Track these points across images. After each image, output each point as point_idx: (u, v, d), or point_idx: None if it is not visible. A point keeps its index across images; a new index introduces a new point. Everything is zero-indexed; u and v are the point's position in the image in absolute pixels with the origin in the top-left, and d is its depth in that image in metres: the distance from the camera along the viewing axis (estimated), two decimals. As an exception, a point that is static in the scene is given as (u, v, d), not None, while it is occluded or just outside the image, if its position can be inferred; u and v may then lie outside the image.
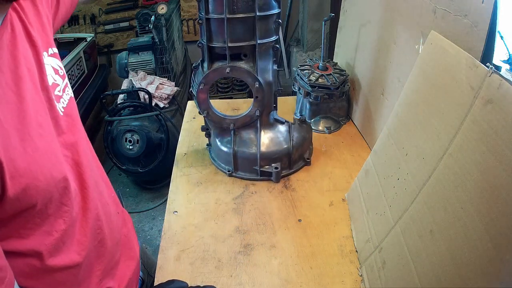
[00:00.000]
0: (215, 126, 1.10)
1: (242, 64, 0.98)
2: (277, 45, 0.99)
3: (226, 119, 1.06)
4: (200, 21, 0.94)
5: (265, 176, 1.06)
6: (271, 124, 1.08)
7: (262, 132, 1.07)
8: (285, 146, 1.06)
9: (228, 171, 1.08)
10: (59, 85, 0.63)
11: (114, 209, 0.76)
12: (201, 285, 0.74)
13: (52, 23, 0.69)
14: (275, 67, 1.02)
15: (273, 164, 1.04)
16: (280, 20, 0.98)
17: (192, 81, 1.07)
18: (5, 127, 0.48)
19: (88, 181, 0.66)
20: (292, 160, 1.08)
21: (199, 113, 1.07)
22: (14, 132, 0.49)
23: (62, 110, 0.63)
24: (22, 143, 0.50)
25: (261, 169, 1.04)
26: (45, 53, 0.62)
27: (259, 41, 0.94)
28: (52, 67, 0.63)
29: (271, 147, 1.06)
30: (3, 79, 0.50)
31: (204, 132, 1.17)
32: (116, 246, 0.74)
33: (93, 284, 0.67)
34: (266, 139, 1.07)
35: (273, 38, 0.98)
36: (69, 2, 0.77)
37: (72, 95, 0.68)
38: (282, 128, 1.10)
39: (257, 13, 0.90)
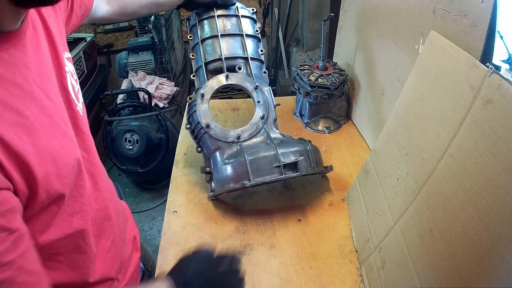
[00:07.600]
0: (215, 145, 0.99)
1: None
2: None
3: (231, 132, 0.99)
4: (192, 55, 1.07)
5: (289, 170, 0.91)
6: (277, 132, 1.02)
7: (272, 135, 1.00)
8: (301, 143, 0.97)
9: (243, 184, 0.90)
10: (75, 87, 0.64)
11: (120, 208, 0.79)
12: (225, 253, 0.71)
13: (64, 29, 0.69)
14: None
15: (292, 157, 0.92)
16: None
17: (188, 118, 1.04)
18: (35, 126, 0.48)
19: (100, 182, 0.67)
20: (312, 157, 0.95)
21: (197, 149, 1.01)
22: (43, 131, 0.49)
23: (82, 111, 0.63)
24: (50, 141, 0.50)
25: (283, 163, 0.90)
26: (64, 54, 0.62)
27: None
28: (70, 70, 0.63)
29: (287, 145, 0.96)
30: (30, 76, 0.50)
31: (205, 176, 1.02)
32: (123, 242, 0.76)
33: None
34: (278, 140, 0.99)
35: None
36: (80, 15, 0.78)
37: (83, 102, 0.68)
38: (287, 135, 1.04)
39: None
